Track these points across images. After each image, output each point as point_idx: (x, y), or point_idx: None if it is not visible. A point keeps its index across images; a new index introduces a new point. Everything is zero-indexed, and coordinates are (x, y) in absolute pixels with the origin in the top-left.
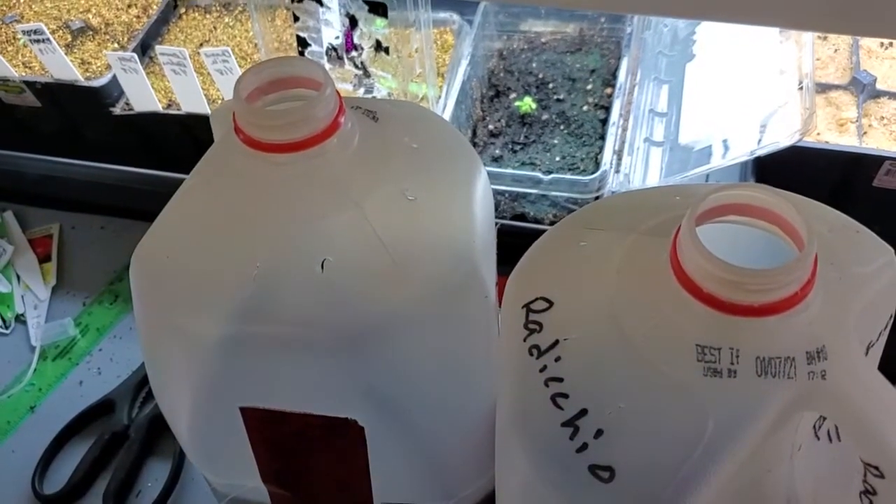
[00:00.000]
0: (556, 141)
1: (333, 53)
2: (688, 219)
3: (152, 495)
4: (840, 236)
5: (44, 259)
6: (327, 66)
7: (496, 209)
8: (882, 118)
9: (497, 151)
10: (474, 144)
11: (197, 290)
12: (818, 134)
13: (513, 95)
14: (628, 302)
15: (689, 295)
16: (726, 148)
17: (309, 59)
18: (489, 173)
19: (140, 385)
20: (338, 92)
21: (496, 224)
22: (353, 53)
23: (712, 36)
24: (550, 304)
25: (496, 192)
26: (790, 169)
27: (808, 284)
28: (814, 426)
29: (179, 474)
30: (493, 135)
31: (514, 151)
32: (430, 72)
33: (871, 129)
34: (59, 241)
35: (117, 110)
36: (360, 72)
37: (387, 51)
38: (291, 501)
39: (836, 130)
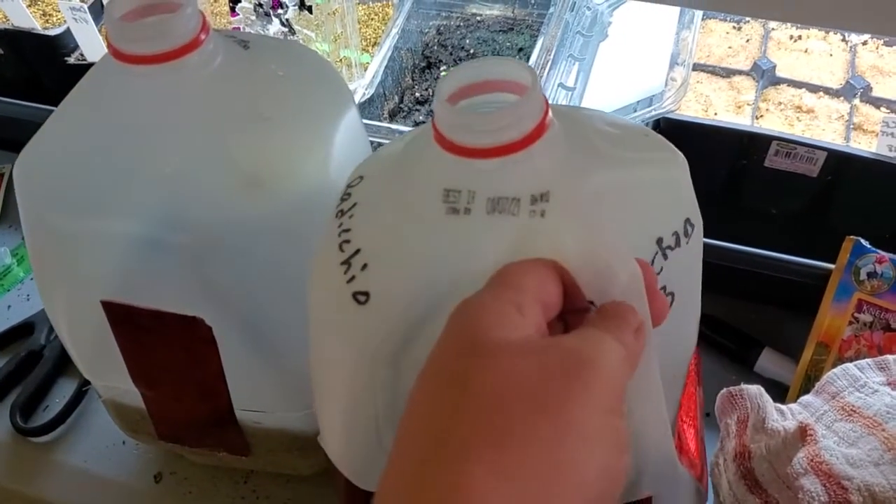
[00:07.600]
0: None
1: (261, 10)
2: (439, 87)
3: (58, 411)
4: (621, 130)
5: None
6: (256, 22)
7: None
8: (780, 103)
9: (421, 118)
10: (400, 110)
11: (64, 189)
12: (715, 114)
13: (443, 68)
14: (407, 165)
15: (440, 147)
16: None
17: None
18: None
19: None
20: (201, 12)
21: None
22: (280, 11)
23: (626, 19)
24: (362, 178)
25: None
26: (688, 145)
27: (534, 133)
28: None
29: (85, 394)
30: (419, 102)
31: None
32: (351, 33)
33: (767, 112)
34: (10, 181)
35: (71, 60)
36: (287, 29)
37: (310, 9)
38: (159, 404)
39: (734, 112)
